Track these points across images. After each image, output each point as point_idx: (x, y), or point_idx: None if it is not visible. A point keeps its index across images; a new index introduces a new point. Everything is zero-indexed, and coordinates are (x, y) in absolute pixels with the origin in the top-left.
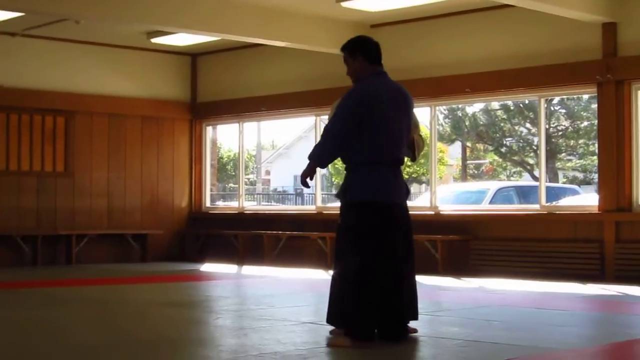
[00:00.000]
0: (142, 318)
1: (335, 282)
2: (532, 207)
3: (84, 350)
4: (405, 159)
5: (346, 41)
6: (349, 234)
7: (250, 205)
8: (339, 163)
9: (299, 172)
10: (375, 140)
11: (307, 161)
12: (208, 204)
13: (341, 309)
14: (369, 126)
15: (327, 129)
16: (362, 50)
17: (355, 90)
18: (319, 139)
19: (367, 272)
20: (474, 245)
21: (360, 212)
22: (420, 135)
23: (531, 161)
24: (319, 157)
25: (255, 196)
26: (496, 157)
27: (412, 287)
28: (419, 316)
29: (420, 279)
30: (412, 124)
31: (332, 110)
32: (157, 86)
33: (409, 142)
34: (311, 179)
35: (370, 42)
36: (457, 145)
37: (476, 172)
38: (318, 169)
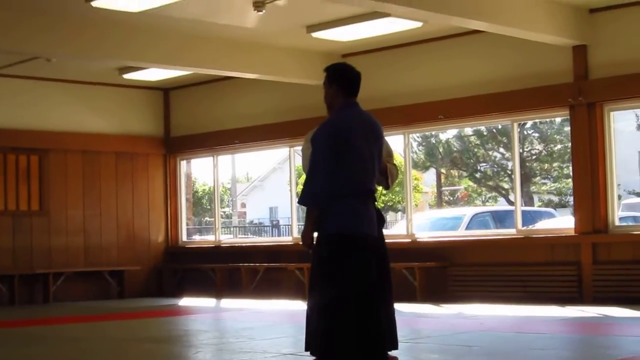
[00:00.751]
0: (122, 355)
1: (310, 315)
2: (509, 232)
3: None
4: (379, 188)
5: (331, 64)
6: (321, 266)
7: (226, 239)
8: None
9: (274, 203)
10: (347, 174)
11: (298, 207)
12: (184, 238)
13: (317, 343)
14: (342, 159)
15: (312, 166)
16: (338, 80)
17: (328, 124)
18: (300, 179)
19: (341, 304)
20: (451, 271)
21: (334, 245)
22: (394, 164)
23: (506, 186)
24: (314, 198)
25: (232, 229)
26: (471, 183)
27: (391, 315)
28: (400, 344)
29: (398, 306)
30: (385, 152)
31: (305, 143)
32: (130, 122)
33: (382, 170)
34: (312, 241)
35: (349, 74)
36: (432, 172)
37: (451, 198)
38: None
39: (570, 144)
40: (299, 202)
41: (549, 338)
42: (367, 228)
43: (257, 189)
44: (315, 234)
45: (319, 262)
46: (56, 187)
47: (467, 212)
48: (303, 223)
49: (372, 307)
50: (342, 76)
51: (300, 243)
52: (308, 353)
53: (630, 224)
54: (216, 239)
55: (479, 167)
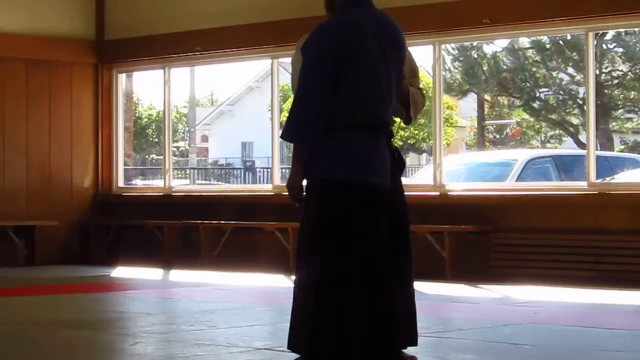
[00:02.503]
0: (29, 344)
1: (298, 295)
2: (578, 185)
3: None
4: (397, 119)
5: None
6: (312, 227)
7: (180, 185)
8: None
9: (249, 137)
10: (353, 96)
11: (282, 144)
12: (121, 183)
13: (305, 336)
14: (347, 76)
15: (302, 87)
16: None
17: (328, 28)
18: (286, 104)
19: (338, 281)
20: (495, 239)
21: (326, 196)
22: (420, 88)
23: (575, 121)
24: (303, 131)
25: (188, 172)
26: (526, 116)
27: (409, 300)
28: (420, 339)
29: (420, 286)
30: (407, 70)
31: (296, 53)
32: (48, 19)
33: (403, 96)
34: (302, 191)
35: None
36: (472, 98)
37: (498, 136)
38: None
39: None
40: (282, 137)
41: (629, 336)
42: (377, 175)
43: (225, 115)
44: (306, 182)
45: (308, 222)
46: None
47: (519, 156)
48: (289, 166)
49: (383, 286)
50: None
51: (285, 194)
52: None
53: None
54: (166, 185)
55: (538, 94)
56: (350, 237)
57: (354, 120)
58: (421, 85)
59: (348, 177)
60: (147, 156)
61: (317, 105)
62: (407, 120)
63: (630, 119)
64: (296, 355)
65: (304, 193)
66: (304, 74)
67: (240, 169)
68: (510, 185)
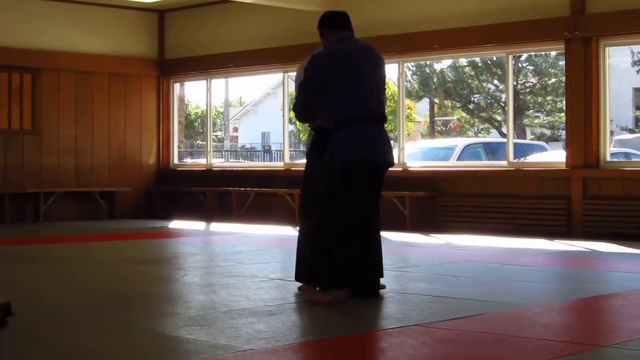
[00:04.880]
0: (111, 275)
1: (304, 240)
2: (500, 164)
3: (54, 308)
4: None
5: None
6: (330, 192)
7: (218, 162)
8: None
9: (267, 128)
10: (356, 96)
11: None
12: (176, 161)
13: (314, 267)
14: (347, 82)
15: (297, 94)
16: (324, 24)
17: (318, 57)
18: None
19: (344, 228)
20: (442, 201)
21: (348, 172)
22: (386, 96)
23: (499, 118)
24: (295, 113)
25: (223, 153)
26: (464, 114)
27: (379, 244)
28: (387, 272)
29: (388, 235)
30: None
31: (300, 69)
32: (124, 43)
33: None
34: None
35: (331, 14)
36: (425, 102)
37: (444, 128)
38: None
39: (564, 78)
40: (291, 110)
41: (536, 271)
42: (382, 154)
43: (250, 113)
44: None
45: (330, 188)
46: (48, 106)
47: (459, 142)
48: (296, 149)
49: (369, 236)
50: (325, 19)
51: (293, 169)
52: (298, 283)
53: (622, 160)
54: (207, 162)
55: (472, 98)
56: (360, 200)
57: (362, 114)
58: (388, 93)
59: (363, 158)
60: (194, 142)
61: (304, 101)
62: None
63: (537, 117)
64: (299, 284)
65: (320, 168)
66: (301, 86)
67: (260, 151)
68: (452, 164)
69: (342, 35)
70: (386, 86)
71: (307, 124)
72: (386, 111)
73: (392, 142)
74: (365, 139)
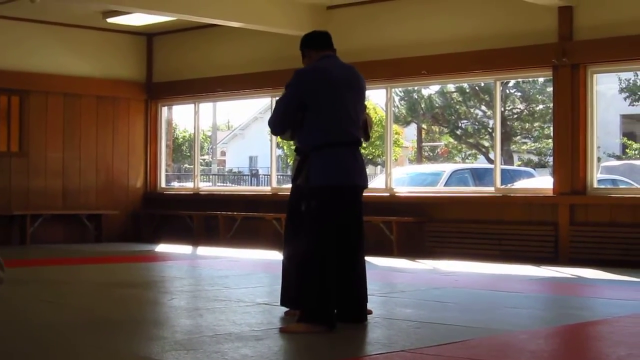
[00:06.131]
0: (98, 298)
1: (289, 265)
2: (487, 190)
3: (41, 331)
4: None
5: None
6: (309, 217)
7: (205, 186)
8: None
9: (254, 152)
10: (333, 120)
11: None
12: (163, 184)
13: (298, 295)
14: (325, 105)
15: (275, 108)
16: (306, 44)
17: (299, 74)
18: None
19: (327, 255)
20: (429, 227)
21: (324, 196)
22: (367, 113)
23: (486, 144)
24: (270, 127)
25: (211, 177)
26: (451, 140)
27: (364, 269)
28: (373, 298)
29: (374, 260)
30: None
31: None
32: (112, 66)
33: (362, 122)
34: None
35: (313, 33)
36: (413, 127)
37: (431, 154)
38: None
39: (552, 105)
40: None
41: (523, 297)
42: (358, 178)
43: (238, 137)
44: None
45: (307, 213)
46: (36, 128)
47: (446, 168)
48: (283, 174)
49: (354, 261)
50: (307, 39)
51: (280, 193)
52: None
53: (609, 186)
54: (195, 186)
55: (460, 124)
56: (337, 223)
57: (336, 139)
58: (374, 117)
59: (338, 183)
60: (182, 165)
61: (283, 116)
62: (366, 139)
63: (525, 143)
64: (286, 309)
65: (298, 193)
66: (280, 99)
67: (248, 175)
68: (440, 189)
69: (325, 54)
70: (365, 106)
71: (293, 147)
72: (370, 132)
73: (378, 167)
74: (340, 164)
